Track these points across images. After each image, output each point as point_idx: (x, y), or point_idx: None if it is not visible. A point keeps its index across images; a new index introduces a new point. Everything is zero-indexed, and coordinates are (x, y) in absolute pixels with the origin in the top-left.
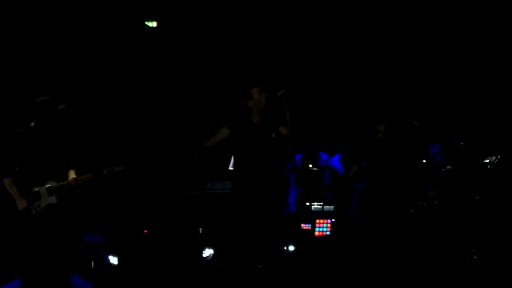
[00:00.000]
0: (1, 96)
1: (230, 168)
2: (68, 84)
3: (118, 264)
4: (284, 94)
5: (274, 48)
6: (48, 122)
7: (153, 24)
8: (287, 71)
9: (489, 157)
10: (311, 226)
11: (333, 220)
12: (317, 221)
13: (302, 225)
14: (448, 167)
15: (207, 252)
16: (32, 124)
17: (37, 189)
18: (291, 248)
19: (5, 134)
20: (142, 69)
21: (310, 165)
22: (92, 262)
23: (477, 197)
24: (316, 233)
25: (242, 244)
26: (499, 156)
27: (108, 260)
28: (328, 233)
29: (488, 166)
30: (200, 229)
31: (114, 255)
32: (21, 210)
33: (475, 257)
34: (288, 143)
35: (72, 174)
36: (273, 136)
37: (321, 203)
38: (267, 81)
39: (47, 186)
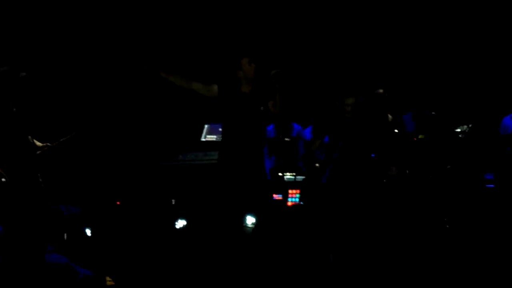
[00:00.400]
0: None
1: (202, 139)
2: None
3: (91, 236)
4: (277, 74)
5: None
6: (11, 92)
7: None
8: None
9: (461, 126)
10: (283, 197)
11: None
12: (290, 191)
13: (274, 195)
14: (419, 136)
15: (180, 224)
16: None
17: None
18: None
19: None
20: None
21: (284, 137)
22: (66, 235)
23: (449, 166)
24: (289, 204)
25: (219, 213)
26: (470, 125)
27: (85, 232)
28: (300, 203)
29: (460, 135)
30: (173, 201)
31: (87, 226)
32: None
33: (447, 226)
34: (272, 119)
35: (36, 142)
36: (262, 109)
37: (294, 174)
38: (258, 53)
39: None
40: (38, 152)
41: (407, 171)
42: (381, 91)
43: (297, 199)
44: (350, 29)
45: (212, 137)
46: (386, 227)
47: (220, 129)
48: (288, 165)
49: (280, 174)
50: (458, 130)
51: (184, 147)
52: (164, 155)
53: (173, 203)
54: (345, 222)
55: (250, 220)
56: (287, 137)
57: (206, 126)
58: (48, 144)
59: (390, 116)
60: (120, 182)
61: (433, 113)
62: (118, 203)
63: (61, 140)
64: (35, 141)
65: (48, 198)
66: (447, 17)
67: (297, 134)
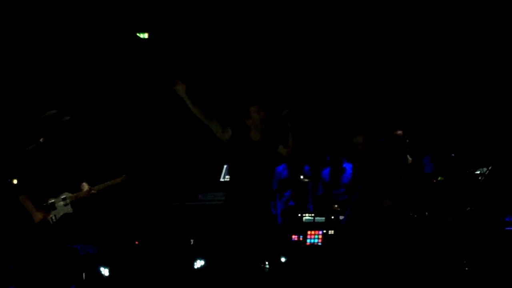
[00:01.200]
0: (7, 115)
1: (221, 179)
2: (69, 97)
3: (109, 276)
4: (288, 113)
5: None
6: (56, 135)
7: (145, 35)
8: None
9: (480, 169)
10: (303, 237)
11: (324, 231)
12: (309, 232)
13: (294, 236)
14: (439, 178)
15: (198, 264)
16: (41, 139)
17: (52, 201)
18: (283, 259)
19: (17, 153)
20: (142, 80)
21: (302, 177)
22: (84, 274)
23: (468, 208)
24: (308, 244)
25: (235, 254)
26: (490, 168)
27: (100, 272)
28: (319, 244)
29: (479, 178)
30: (192, 241)
31: (105, 266)
32: (38, 222)
33: (466, 268)
34: (284, 161)
35: (85, 186)
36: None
37: (313, 215)
38: (267, 99)
39: (62, 197)
40: (79, 195)
41: (427, 213)
42: (400, 132)
43: (316, 240)
44: (365, 68)
45: None
46: (406, 268)
47: None
48: (303, 206)
49: (299, 215)
50: (478, 172)
51: (203, 187)
52: (183, 195)
53: (192, 243)
54: (365, 262)
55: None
56: (305, 178)
57: (225, 166)
58: (90, 188)
59: (409, 158)
60: (139, 222)
61: (452, 155)
62: (136, 242)
63: (107, 185)
64: (84, 184)
65: (66, 238)
66: (469, 62)
67: (305, 175)
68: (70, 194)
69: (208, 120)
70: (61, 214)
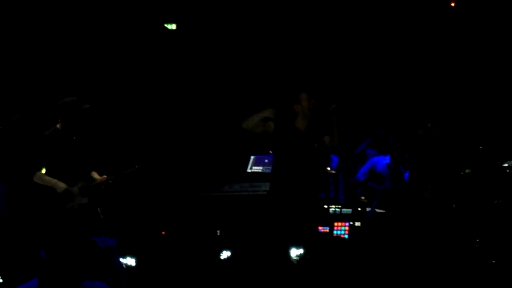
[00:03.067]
0: (25, 97)
1: (248, 170)
2: (87, 85)
3: (135, 266)
4: (336, 108)
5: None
6: (74, 122)
7: (173, 26)
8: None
9: (508, 161)
10: (329, 229)
11: (351, 223)
12: (336, 223)
13: (320, 228)
14: (466, 171)
15: (225, 255)
16: (58, 125)
17: (69, 189)
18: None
19: (33, 136)
20: (163, 69)
21: (328, 168)
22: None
23: (496, 201)
24: (334, 236)
25: (265, 245)
26: None
27: (121, 264)
28: (346, 236)
29: (507, 170)
30: (218, 232)
31: (131, 256)
32: (61, 192)
33: (493, 261)
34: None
35: (95, 175)
36: (315, 146)
37: (339, 206)
38: (317, 89)
39: (79, 186)
40: (95, 184)
41: (454, 206)
42: (428, 125)
43: (343, 232)
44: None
45: (258, 169)
46: (432, 261)
47: (266, 160)
48: (332, 197)
49: (325, 206)
50: (505, 165)
51: (230, 178)
52: (210, 186)
53: (218, 234)
54: (391, 255)
55: (295, 252)
56: (331, 169)
57: (252, 157)
58: (107, 177)
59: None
60: (165, 212)
61: (480, 147)
62: (163, 233)
63: (123, 174)
64: (94, 173)
65: (86, 230)
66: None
67: (337, 166)
68: (85, 184)
69: (252, 123)
70: (77, 204)
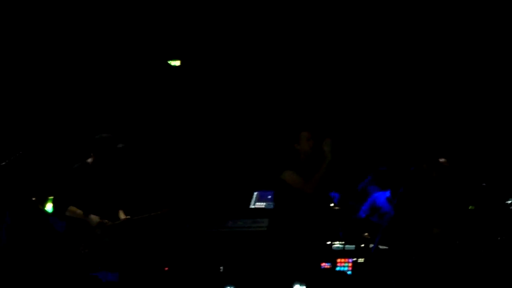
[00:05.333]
0: (60, 131)
1: (251, 206)
2: (121, 124)
3: None
4: (328, 142)
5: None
6: (106, 159)
7: (177, 63)
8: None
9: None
10: (332, 265)
11: (354, 259)
12: (338, 260)
13: (323, 264)
14: (469, 207)
15: None
16: (89, 160)
17: (102, 222)
18: None
19: (64, 169)
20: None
21: (332, 204)
22: None
23: (499, 238)
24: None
25: (269, 282)
26: None
27: None
28: (349, 272)
29: (511, 207)
30: (221, 268)
31: None
32: (95, 226)
33: None
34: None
35: (121, 214)
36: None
37: (343, 242)
38: (317, 128)
39: (105, 224)
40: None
41: (457, 242)
42: (443, 160)
43: (346, 268)
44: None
45: (261, 205)
46: None
47: (269, 196)
48: (334, 233)
49: (328, 242)
50: (509, 202)
51: (233, 214)
52: (213, 222)
53: (222, 270)
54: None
55: None
56: (335, 205)
57: (255, 193)
58: (130, 218)
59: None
60: (168, 248)
61: (483, 184)
62: (166, 269)
63: (151, 215)
64: (121, 213)
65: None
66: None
67: (338, 202)
68: (108, 221)
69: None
70: (97, 241)
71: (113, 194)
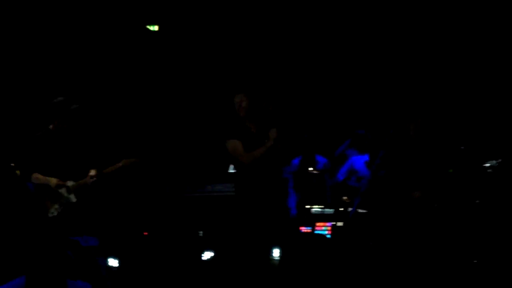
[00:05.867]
0: (16, 99)
1: (230, 170)
2: (76, 84)
3: (118, 267)
4: (274, 131)
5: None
6: (65, 122)
7: (155, 28)
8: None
9: (490, 161)
10: (311, 229)
11: (333, 223)
12: (317, 224)
13: (302, 228)
14: (449, 170)
15: (207, 255)
16: (51, 126)
17: (62, 183)
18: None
19: (26, 137)
20: (144, 71)
21: (311, 168)
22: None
23: (477, 201)
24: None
25: (245, 246)
26: (499, 160)
27: (104, 264)
28: (328, 236)
29: (489, 170)
30: (201, 232)
31: (114, 257)
32: (54, 187)
33: (475, 261)
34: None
35: (92, 173)
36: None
37: (322, 206)
38: (254, 85)
39: (68, 184)
40: (82, 182)
41: (436, 205)
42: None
43: (325, 232)
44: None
45: None
46: (414, 261)
47: None
48: (315, 198)
49: (307, 206)
50: (487, 164)
51: (212, 178)
52: (192, 186)
53: (201, 234)
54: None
55: (276, 252)
56: (313, 169)
57: None
58: (90, 175)
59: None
60: (148, 213)
61: (462, 147)
62: (145, 233)
63: (102, 172)
64: (92, 172)
65: (68, 229)
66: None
67: (324, 166)
68: (72, 182)
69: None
70: (64, 202)
71: (80, 155)
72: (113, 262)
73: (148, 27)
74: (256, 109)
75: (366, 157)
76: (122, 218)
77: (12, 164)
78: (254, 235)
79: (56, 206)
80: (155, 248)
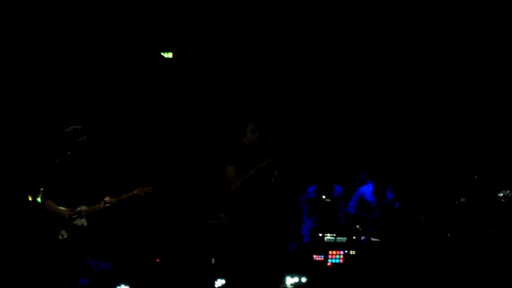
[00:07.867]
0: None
1: None
2: (92, 112)
3: None
4: (270, 160)
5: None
6: (77, 150)
7: (169, 55)
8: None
9: (503, 191)
10: (324, 257)
11: (345, 251)
12: (330, 252)
13: (315, 256)
14: (461, 199)
15: (219, 283)
16: (69, 153)
17: (73, 212)
18: (304, 279)
19: (45, 165)
20: (157, 97)
21: (324, 196)
22: None
23: (491, 230)
24: (329, 265)
25: (254, 274)
26: None
27: None
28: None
29: (502, 200)
30: (213, 259)
31: (125, 284)
32: (67, 217)
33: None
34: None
35: (107, 199)
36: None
37: (334, 235)
38: (261, 116)
39: (78, 209)
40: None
41: (449, 235)
42: (425, 153)
43: (338, 260)
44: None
45: None
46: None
47: None
48: (328, 226)
49: (320, 235)
50: (501, 194)
51: (224, 205)
52: (205, 213)
53: (213, 262)
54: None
55: (290, 280)
56: (327, 198)
57: None
58: (106, 202)
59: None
60: (160, 240)
61: (475, 177)
62: (158, 260)
63: (120, 198)
64: (108, 198)
65: (80, 253)
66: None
67: (338, 195)
68: (85, 207)
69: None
70: (77, 225)
71: (96, 181)
72: None
73: (162, 53)
74: (263, 140)
75: (371, 187)
76: (135, 244)
77: (28, 190)
78: (247, 262)
79: (66, 229)
80: (167, 275)
